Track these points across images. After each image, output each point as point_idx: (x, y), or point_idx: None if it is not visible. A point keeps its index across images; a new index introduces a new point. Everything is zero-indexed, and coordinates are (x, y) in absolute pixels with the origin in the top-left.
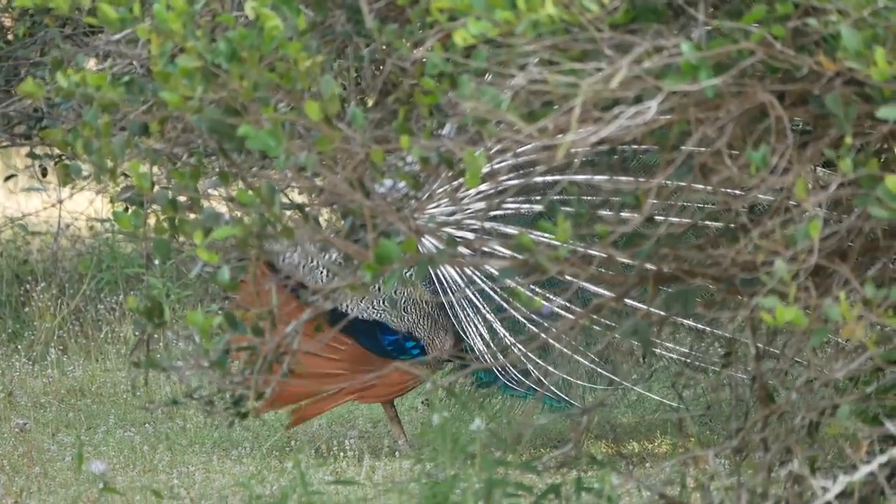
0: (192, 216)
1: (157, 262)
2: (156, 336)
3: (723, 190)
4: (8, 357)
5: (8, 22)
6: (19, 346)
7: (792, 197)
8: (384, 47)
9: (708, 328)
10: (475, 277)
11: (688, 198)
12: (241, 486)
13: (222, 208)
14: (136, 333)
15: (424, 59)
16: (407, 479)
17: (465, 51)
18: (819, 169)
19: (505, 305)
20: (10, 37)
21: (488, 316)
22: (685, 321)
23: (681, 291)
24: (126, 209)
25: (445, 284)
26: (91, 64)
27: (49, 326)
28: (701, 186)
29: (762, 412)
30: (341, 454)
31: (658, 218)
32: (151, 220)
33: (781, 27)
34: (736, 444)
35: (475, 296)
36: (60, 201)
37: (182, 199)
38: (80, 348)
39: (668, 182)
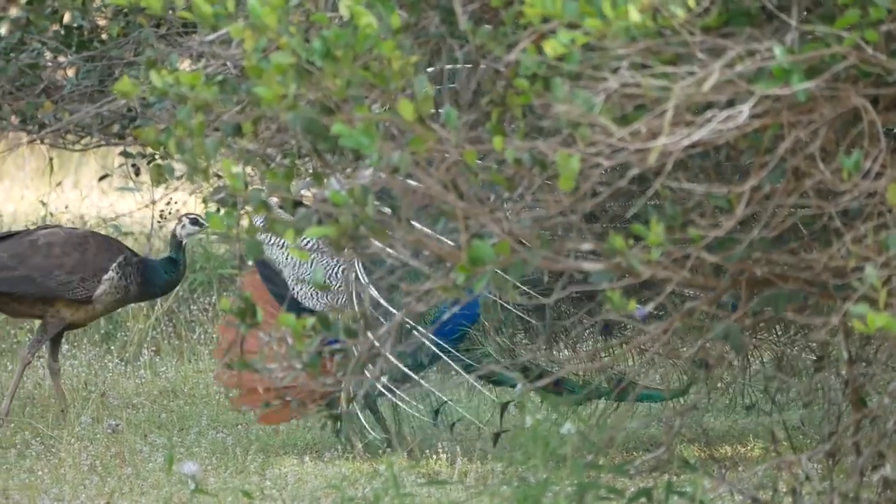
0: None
1: (249, 262)
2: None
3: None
4: (101, 358)
5: (102, 22)
6: (112, 347)
7: (884, 202)
8: (478, 49)
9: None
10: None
11: (781, 201)
12: (334, 488)
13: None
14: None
15: (518, 61)
16: (499, 481)
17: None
18: None
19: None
20: (104, 36)
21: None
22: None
23: (773, 295)
24: (218, 209)
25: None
26: (185, 64)
27: (142, 327)
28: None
29: (855, 416)
30: (434, 456)
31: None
32: (244, 221)
33: (874, 31)
34: (828, 449)
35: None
36: (154, 201)
37: (275, 199)
38: (172, 349)
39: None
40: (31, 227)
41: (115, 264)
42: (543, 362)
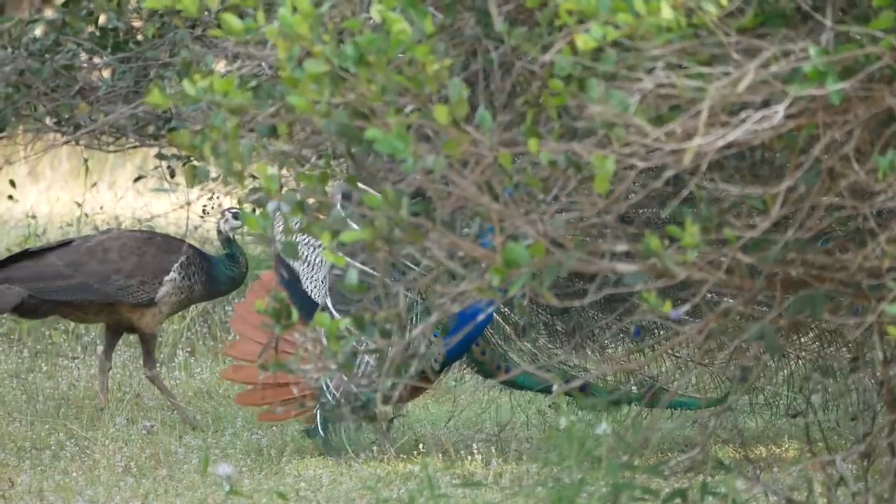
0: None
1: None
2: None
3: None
4: (136, 359)
5: (137, 23)
6: None
7: None
8: (513, 50)
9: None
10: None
11: (816, 202)
12: (368, 489)
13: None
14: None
15: (553, 62)
16: (534, 482)
17: (593, 54)
18: None
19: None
20: (139, 38)
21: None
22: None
23: (808, 296)
24: (254, 210)
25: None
26: (220, 65)
27: (177, 328)
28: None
29: (889, 417)
30: (469, 457)
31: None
32: (280, 222)
33: None
34: (863, 449)
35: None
36: (189, 203)
37: (310, 201)
38: (207, 350)
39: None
40: (91, 234)
41: (176, 265)
42: (572, 366)
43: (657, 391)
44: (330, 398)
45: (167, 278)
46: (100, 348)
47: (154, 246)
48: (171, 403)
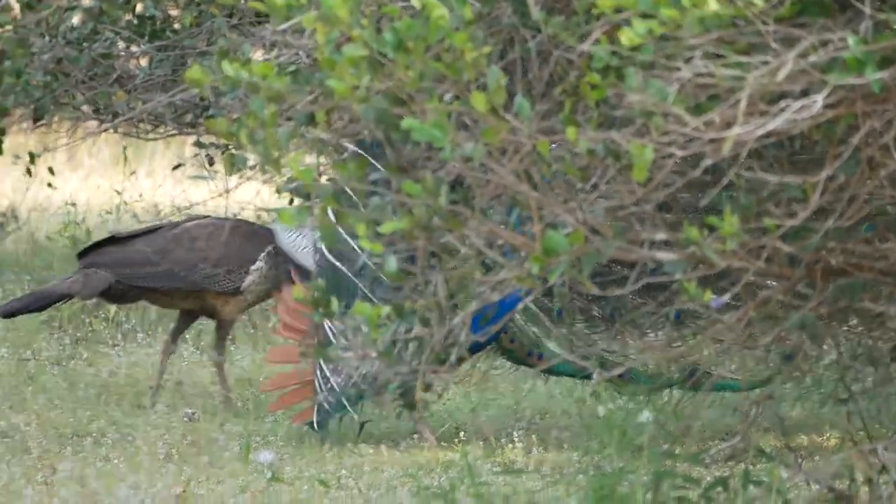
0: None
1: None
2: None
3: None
4: (176, 347)
5: (175, 11)
6: (187, 336)
7: None
8: (550, 39)
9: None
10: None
11: (855, 191)
12: (410, 477)
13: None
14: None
15: (591, 51)
16: (575, 470)
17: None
18: None
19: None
20: (176, 26)
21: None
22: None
23: (848, 285)
24: (291, 200)
25: None
26: (258, 54)
27: None
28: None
29: None
30: (509, 445)
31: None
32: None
33: None
34: None
35: None
36: (227, 191)
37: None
38: (247, 338)
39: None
40: (179, 220)
41: (263, 254)
42: (611, 352)
43: (700, 376)
44: (327, 394)
45: (253, 267)
46: (167, 336)
47: (241, 234)
48: (223, 393)
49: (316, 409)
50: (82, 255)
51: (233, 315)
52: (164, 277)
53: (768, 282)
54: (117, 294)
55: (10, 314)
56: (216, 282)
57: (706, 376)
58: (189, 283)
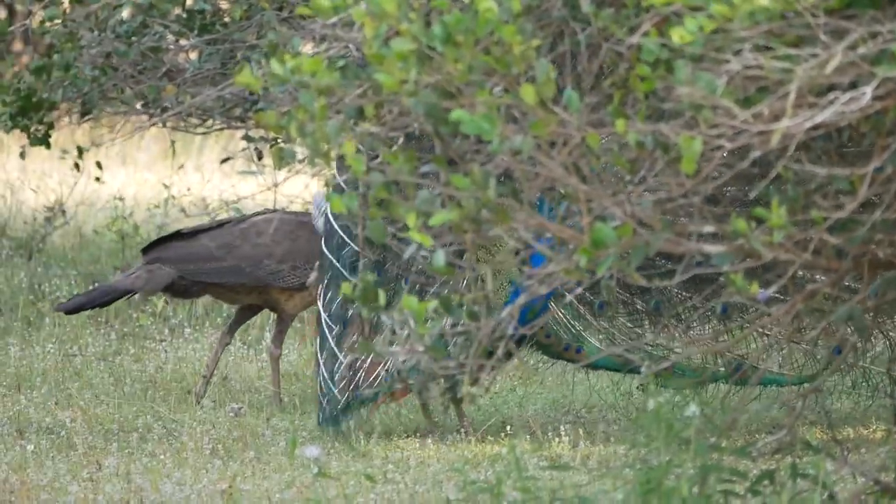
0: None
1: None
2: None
3: None
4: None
5: (224, 5)
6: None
7: None
8: (600, 31)
9: None
10: None
11: None
12: (456, 471)
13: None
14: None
15: (640, 45)
16: (621, 464)
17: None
18: None
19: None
20: (226, 19)
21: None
22: None
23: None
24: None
25: None
26: (307, 48)
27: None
28: None
29: None
30: (556, 439)
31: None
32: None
33: None
34: None
35: None
36: (276, 184)
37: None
38: (294, 333)
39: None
40: (247, 214)
41: None
42: (655, 346)
43: (746, 370)
44: (335, 392)
45: (319, 263)
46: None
47: (307, 230)
48: (273, 388)
49: (323, 409)
50: (146, 250)
51: (297, 310)
52: (228, 273)
53: (815, 274)
54: (180, 289)
55: (74, 310)
56: (281, 277)
57: (752, 370)
58: (253, 279)
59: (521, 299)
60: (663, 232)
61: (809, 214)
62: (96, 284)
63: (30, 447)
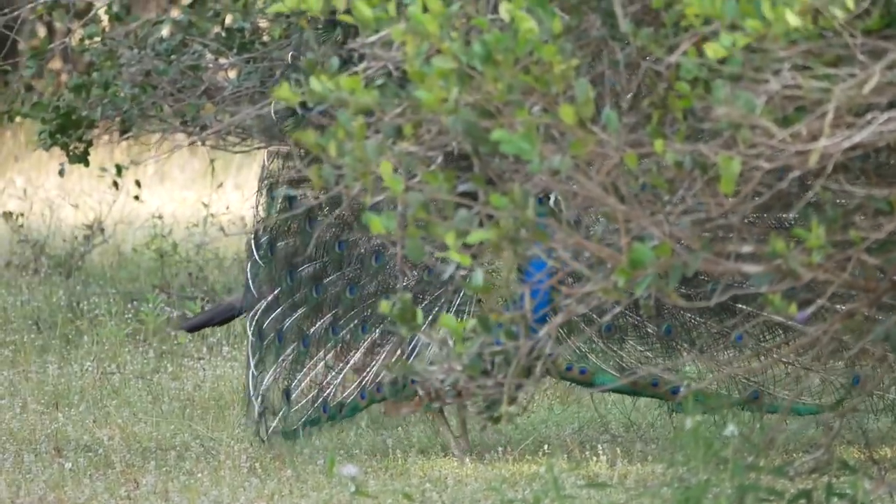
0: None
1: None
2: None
3: None
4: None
5: (264, 24)
6: None
7: None
8: (639, 51)
9: None
10: None
11: None
12: (494, 490)
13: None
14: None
15: (678, 64)
16: (659, 483)
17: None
18: None
19: None
20: (265, 38)
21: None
22: None
23: None
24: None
25: None
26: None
27: None
28: None
29: None
30: (594, 458)
31: None
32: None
33: None
34: None
35: None
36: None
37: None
38: None
39: None
40: None
41: None
42: (668, 370)
43: (761, 396)
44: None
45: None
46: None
47: None
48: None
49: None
50: None
51: None
52: None
53: (851, 295)
54: None
55: (195, 328)
56: None
57: (769, 398)
58: None
59: (560, 318)
60: (702, 252)
61: (847, 235)
62: (212, 303)
63: (67, 465)
